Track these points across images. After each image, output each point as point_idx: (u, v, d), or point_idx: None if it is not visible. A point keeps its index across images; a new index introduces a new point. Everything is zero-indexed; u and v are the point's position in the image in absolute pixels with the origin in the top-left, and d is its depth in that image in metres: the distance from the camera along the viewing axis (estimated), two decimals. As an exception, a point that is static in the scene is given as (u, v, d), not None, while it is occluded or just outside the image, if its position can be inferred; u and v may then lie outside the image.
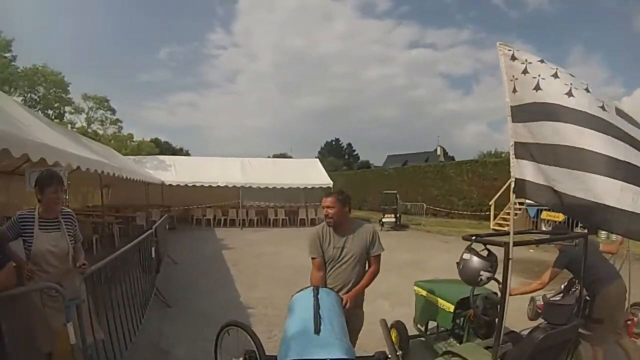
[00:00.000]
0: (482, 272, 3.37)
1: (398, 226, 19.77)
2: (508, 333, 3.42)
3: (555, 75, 2.81)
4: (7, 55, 21.97)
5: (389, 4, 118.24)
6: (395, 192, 21.72)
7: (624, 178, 2.49)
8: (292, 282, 7.11)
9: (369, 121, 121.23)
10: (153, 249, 6.70)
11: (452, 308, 4.29)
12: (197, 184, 20.29)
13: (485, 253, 3.48)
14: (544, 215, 16.05)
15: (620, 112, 2.84)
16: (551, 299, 4.22)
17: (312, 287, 2.92)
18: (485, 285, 3.67)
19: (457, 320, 4.39)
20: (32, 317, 3.37)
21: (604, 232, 11.17)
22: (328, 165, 25.62)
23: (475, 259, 3.40)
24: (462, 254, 3.48)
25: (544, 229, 14.94)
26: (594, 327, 3.84)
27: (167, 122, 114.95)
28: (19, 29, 64.77)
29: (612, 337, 4.07)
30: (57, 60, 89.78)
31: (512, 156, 2.91)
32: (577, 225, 12.11)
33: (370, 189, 32.69)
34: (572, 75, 2.88)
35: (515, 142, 2.89)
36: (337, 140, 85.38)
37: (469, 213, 22.91)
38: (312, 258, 3.59)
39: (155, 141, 44.34)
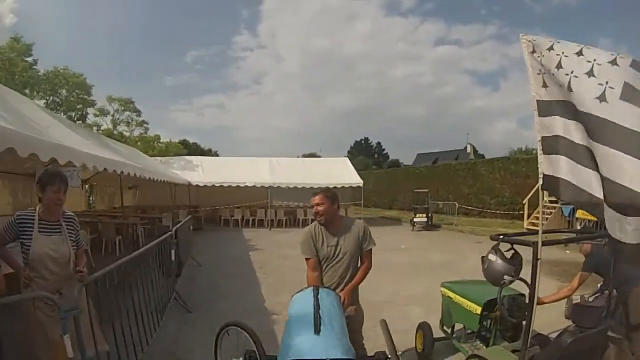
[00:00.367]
0: (505, 276, 3.32)
1: (430, 226, 19.17)
2: (535, 336, 3.34)
3: (591, 73, 2.53)
4: (27, 59, 22.31)
5: (413, 1, 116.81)
6: (426, 190, 21.19)
7: None
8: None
9: (397, 120, 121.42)
10: (173, 251, 6.40)
11: (478, 310, 4.17)
12: (225, 184, 20.13)
13: (511, 253, 3.42)
14: (579, 214, 15.12)
15: None
16: (589, 299, 4.11)
17: (312, 287, 2.91)
18: (514, 287, 3.66)
19: (484, 322, 4.30)
20: (30, 327, 3.11)
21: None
22: (358, 165, 25.21)
23: (499, 261, 3.34)
24: (488, 254, 3.44)
25: (578, 228, 14.23)
26: (625, 330, 3.56)
27: (195, 123, 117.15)
28: (49, 36, 66.72)
29: None
30: (86, 66, 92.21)
31: (539, 152, 2.82)
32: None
33: (400, 188, 32.30)
34: (616, 63, 2.50)
35: (543, 137, 2.80)
36: (366, 139, 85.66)
37: (501, 212, 22.26)
38: (307, 258, 3.61)
39: (184, 142, 44.66)
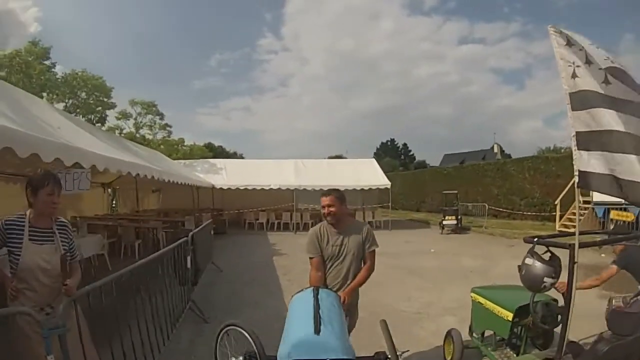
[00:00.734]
0: (545, 279, 3.20)
1: (459, 229, 18.45)
2: (569, 344, 3.24)
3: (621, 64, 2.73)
4: (46, 62, 22.54)
5: (435, 0, 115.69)
6: (455, 192, 20.55)
7: None
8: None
9: (422, 120, 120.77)
10: (189, 258, 6.01)
11: (510, 316, 3.99)
12: (249, 187, 19.86)
13: (547, 256, 3.31)
14: (613, 214, 14.41)
15: None
16: (631, 301, 3.99)
17: (312, 288, 2.94)
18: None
19: (515, 329, 4.12)
20: (17, 343, 2.78)
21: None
22: (384, 166, 24.68)
23: (538, 263, 3.24)
24: (525, 258, 3.34)
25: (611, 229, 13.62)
26: None
27: (222, 127, 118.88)
28: (73, 42, 68.22)
29: None
30: (111, 72, 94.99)
31: (574, 147, 2.80)
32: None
33: (428, 190, 31.57)
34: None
35: (577, 132, 2.77)
36: (392, 140, 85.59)
37: (531, 213, 21.39)
38: (310, 258, 3.64)
39: (209, 146, 44.81)
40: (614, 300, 4.46)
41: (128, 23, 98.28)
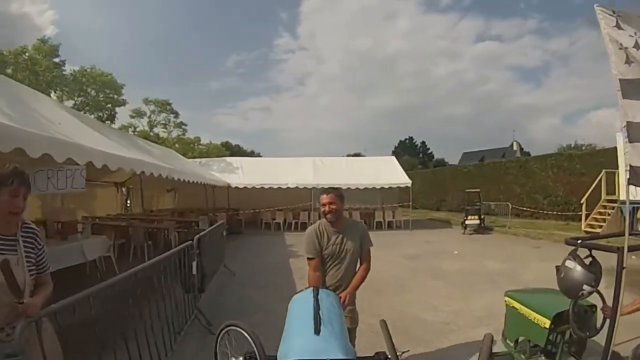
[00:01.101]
0: (584, 286, 2.99)
1: (482, 229, 17.76)
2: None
3: None
4: (55, 60, 22.46)
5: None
6: (478, 190, 19.89)
7: None
8: (367, 302, 5.88)
9: (440, 118, 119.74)
10: (194, 263, 5.51)
11: (547, 323, 3.69)
12: (266, 186, 19.47)
13: (589, 260, 3.10)
14: (640, 215, 13.82)
15: None
16: None
17: (312, 288, 2.93)
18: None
19: (551, 337, 3.81)
20: None
21: None
22: (403, 165, 24.04)
23: (579, 268, 3.03)
24: (565, 260, 3.15)
25: (640, 230, 13.27)
26: None
27: (240, 127, 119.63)
28: (90, 45, 68.93)
29: None
30: (130, 74, 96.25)
31: (624, 140, 2.59)
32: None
33: (448, 188, 30.94)
34: None
35: (629, 123, 2.55)
36: (411, 138, 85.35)
37: (554, 213, 20.69)
38: (309, 258, 3.65)
39: (226, 144, 44.64)
40: None
41: (145, 25, 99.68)
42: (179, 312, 5.11)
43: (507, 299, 4.44)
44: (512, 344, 4.33)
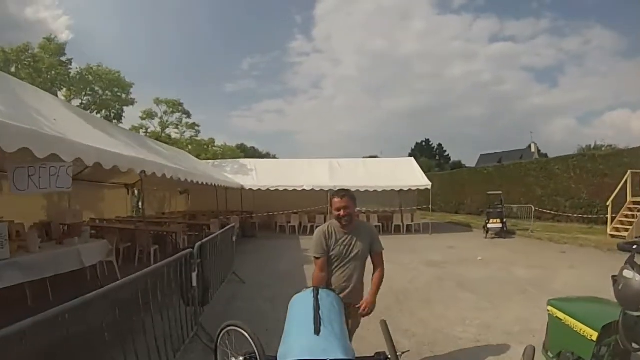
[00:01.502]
0: None
1: (504, 232, 17.03)
2: None
3: None
4: (62, 58, 22.22)
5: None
6: (500, 192, 19.15)
7: None
8: (386, 314, 5.50)
9: (456, 120, 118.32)
10: (194, 274, 4.92)
11: (594, 335, 3.50)
12: (281, 188, 18.98)
13: None
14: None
15: None
16: None
17: (312, 288, 2.91)
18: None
19: (597, 350, 3.57)
20: None
21: None
22: (420, 167, 23.39)
23: (638, 278, 2.92)
24: (622, 270, 3.09)
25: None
26: None
27: (255, 129, 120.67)
28: (106, 50, 69.59)
29: None
30: (145, 77, 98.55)
31: None
32: None
33: (467, 191, 30.21)
34: None
35: None
36: (427, 141, 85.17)
37: (577, 215, 19.89)
38: (316, 258, 3.60)
39: (241, 146, 44.40)
40: None
41: (159, 29, 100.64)
42: (177, 328, 4.54)
43: (550, 308, 4.23)
44: (554, 357, 4.11)
